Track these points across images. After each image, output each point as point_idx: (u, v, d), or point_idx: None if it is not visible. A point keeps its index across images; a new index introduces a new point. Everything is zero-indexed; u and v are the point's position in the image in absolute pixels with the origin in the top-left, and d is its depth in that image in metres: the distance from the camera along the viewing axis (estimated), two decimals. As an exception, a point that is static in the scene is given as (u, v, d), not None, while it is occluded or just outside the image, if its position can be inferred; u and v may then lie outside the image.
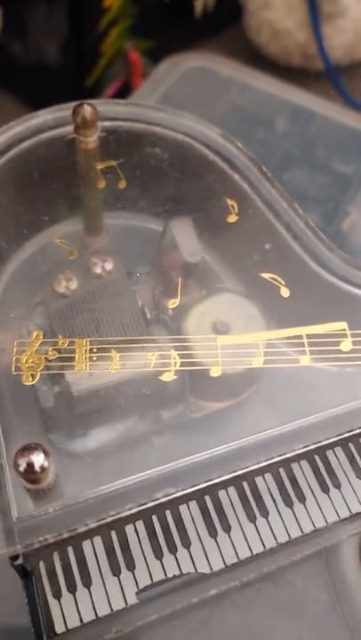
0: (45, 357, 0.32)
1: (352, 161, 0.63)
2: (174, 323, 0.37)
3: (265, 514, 0.33)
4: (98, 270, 0.39)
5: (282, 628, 0.40)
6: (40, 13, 0.71)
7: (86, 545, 0.31)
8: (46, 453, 0.27)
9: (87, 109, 0.36)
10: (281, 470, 0.34)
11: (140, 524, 0.32)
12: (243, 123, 0.64)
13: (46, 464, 0.27)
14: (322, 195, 0.60)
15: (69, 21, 0.71)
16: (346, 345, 0.33)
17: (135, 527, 0.32)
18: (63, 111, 0.38)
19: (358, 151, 0.64)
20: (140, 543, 0.31)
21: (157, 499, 0.29)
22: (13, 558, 0.29)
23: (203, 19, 0.81)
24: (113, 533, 0.31)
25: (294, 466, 0.34)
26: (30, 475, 0.27)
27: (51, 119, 0.38)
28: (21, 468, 0.27)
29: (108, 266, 0.39)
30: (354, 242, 0.60)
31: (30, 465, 0.27)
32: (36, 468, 0.27)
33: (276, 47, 0.79)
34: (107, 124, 0.38)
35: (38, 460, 0.27)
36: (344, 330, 0.34)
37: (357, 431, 0.33)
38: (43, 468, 0.27)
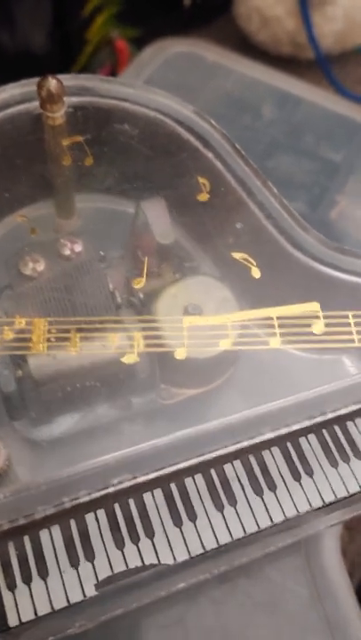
0: (1, 338, 0.31)
1: (341, 148, 0.62)
2: (145, 306, 0.36)
3: (233, 502, 0.31)
4: (67, 252, 0.37)
5: (260, 624, 0.39)
6: (27, 1, 0.70)
7: (43, 534, 0.30)
8: (-6, 436, 0.26)
9: (52, 83, 0.34)
10: (251, 457, 0.32)
11: (100, 513, 0.30)
12: (229, 109, 0.63)
13: (-6, 447, 0.26)
14: (308, 181, 0.59)
15: (53, 7, 0.70)
16: (318, 327, 0.32)
17: (96, 516, 0.30)
18: (30, 86, 0.37)
19: (347, 138, 0.62)
20: (100, 533, 0.30)
21: (114, 484, 0.28)
22: None
23: (192, 7, 0.79)
24: (72, 522, 0.30)
25: (265, 453, 0.32)
26: (-23, 458, 0.26)
27: (17, 94, 0.37)
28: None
29: (78, 248, 0.38)
30: (342, 231, 0.58)
31: (-23, 448, 0.26)
32: (-17, 451, 0.26)
33: (265, 35, 0.78)
34: (74, 99, 0.37)
35: (-15, 442, 0.26)
36: (316, 311, 0.32)
37: (331, 416, 0.32)
38: (-10, 452, 0.26)
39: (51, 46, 0.74)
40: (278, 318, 0.32)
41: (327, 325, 0.32)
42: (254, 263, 0.34)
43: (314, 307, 0.32)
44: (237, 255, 0.34)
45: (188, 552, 0.30)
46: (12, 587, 0.29)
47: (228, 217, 0.36)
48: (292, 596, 0.40)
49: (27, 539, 0.29)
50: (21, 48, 0.75)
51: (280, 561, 0.40)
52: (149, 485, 0.30)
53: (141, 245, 0.38)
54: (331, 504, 0.32)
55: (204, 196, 0.35)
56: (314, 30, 0.75)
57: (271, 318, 0.32)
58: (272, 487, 0.32)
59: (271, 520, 0.31)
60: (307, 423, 0.32)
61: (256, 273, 0.33)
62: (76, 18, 0.71)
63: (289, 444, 0.33)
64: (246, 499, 0.31)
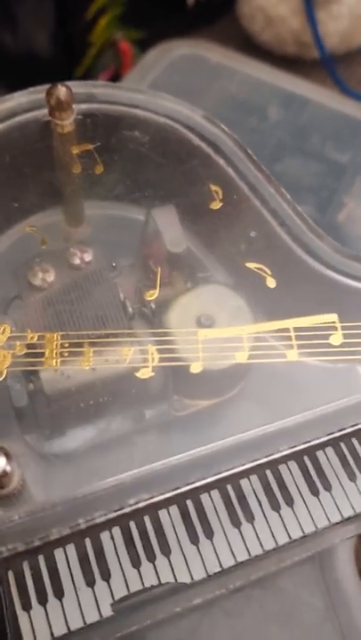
0: (13, 353, 0.30)
1: (347, 149, 0.61)
2: (156, 317, 0.35)
3: (250, 519, 0.31)
4: (76, 261, 0.37)
5: (274, 636, 0.38)
6: (29, 2, 0.69)
7: (58, 553, 0.29)
8: (8, 457, 0.25)
9: (61, 90, 0.34)
10: (268, 472, 0.31)
11: (116, 531, 0.30)
12: (234, 111, 0.62)
13: (8, 468, 0.25)
14: (316, 184, 0.58)
15: (56, 9, 0.69)
16: (336, 339, 0.31)
17: (111, 534, 0.30)
18: (38, 93, 0.36)
19: (353, 139, 0.62)
20: (115, 551, 0.29)
21: (131, 504, 0.27)
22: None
23: (195, 7, 0.78)
24: (87, 541, 0.29)
25: (282, 467, 0.32)
26: (-9, 479, 0.25)
27: (25, 102, 0.36)
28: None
29: (88, 257, 0.37)
30: (350, 233, 0.58)
31: (-10, 469, 0.25)
32: (-2, 472, 0.25)
33: (270, 35, 0.77)
34: (83, 106, 0.36)
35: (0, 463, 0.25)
36: (334, 322, 0.32)
37: (349, 430, 0.31)
38: (4, 473, 0.25)
39: (54, 49, 0.73)
40: (295, 330, 0.31)
41: (345, 337, 0.31)
42: (269, 272, 0.33)
43: (332, 318, 0.31)
44: (252, 265, 0.33)
45: (206, 570, 0.30)
46: (27, 607, 0.28)
47: (240, 225, 0.35)
48: (306, 607, 0.39)
49: (41, 558, 0.29)
50: (24, 51, 0.74)
51: (294, 573, 0.39)
52: (165, 503, 0.30)
53: (152, 254, 0.37)
54: (350, 518, 0.32)
55: (216, 204, 0.35)
56: (319, 29, 0.74)
57: (288, 330, 0.31)
58: (289, 502, 0.31)
59: (289, 536, 0.31)
60: (325, 437, 0.31)
61: (271, 282, 0.33)
62: (80, 20, 0.70)
63: (306, 458, 0.32)
64: (264, 514, 0.31)
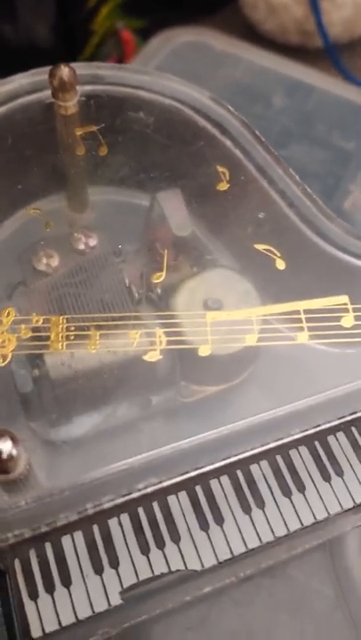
0: (18, 337, 0.29)
1: (353, 137, 0.60)
2: (163, 301, 0.34)
3: (261, 505, 0.30)
4: (81, 246, 0.36)
5: (283, 625, 0.38)
6: (29, -7, 0.69)
7: (66, 541, 0.28)
8: (14, 440, 0.25)
9: (65, 71, 0.33)
10: (278, 457, 0.31)
11: (124, 518, 0.29)
12: (238, 98, 0.61)
13: (15, 452, 0.25)
14: (321, 171, 0.57)
15: (57, -1, 0.68)
16: (347, 320, 0.31)
17: (119, 521, 0.29)
18: (41, 75, 0.36)
19: (358, 126, 0.61)
20: (124, 538, 0.29)
21: (140, 489, 0.27)
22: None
23: (197, -4, 0.78)
24: (95, 528, 0.29)
25: (292, 452, 0.31)
26: (-3, 463, 0.24)
27: (27, 83, 0.36)
28: (-15, 457, 0.25)
29: (92, 242, 0.36)
30: (357, 221, 0.57)
31: (-4, 453, 0.24)
32: (3, 456, 0.24)
33: (272, 24, 0.76)
34: (87, 88, 0.36)
35: (5, 447, 0.24)
36: (345, 304, 0.31)
37: (360, 414, 0.30)
38: (10, 457, 0.24)
39: (55, 39, 0.73)
40: (306, 312, 0.30)
41: (356, 319, 0.31)
42: (278, 254, 0.32)
43: (343, 299, 0.31)
44: (260, 246, 0.32)
45: (216, 557, 0.29)
46: (34, 596, 0.27)
47: (248, 206, 0.34)
48: (316, 596, 0.39)
49: (48, 545, 0.28)
50: (25, 41, 0.73)
51: (304, 561, 0.38)
52: (174, 488, 0.29)
53: (157, 238, 0.37)
54: (361, 505, 0.31)
55: (223, 186, 0.34)
56: (323, 18, 0.73)
57: (298, 312, 0.30)
58: (301, 488, 0.31)
59: (301, 522, 0.30)
60: (336, 421, 0.30)
61: (281, 264, 0.32)
62: (81, 9, 0.70)
63: (317, 443, 0.31)
64: (274, 500, 0.30)
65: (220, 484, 0.30)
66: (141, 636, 0.35)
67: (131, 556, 0.29)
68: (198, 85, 0.53)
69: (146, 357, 0.30)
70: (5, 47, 0.74)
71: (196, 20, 0.78)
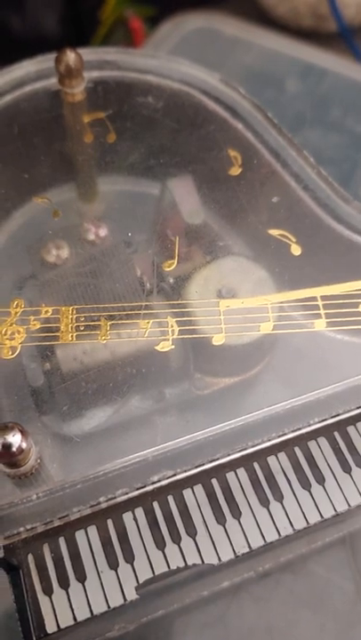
0: (27, 328, 0.29)
1: (368, 120, 0.59)
2: (175, 291, 0.33)
3: (279, 497, 0.29)
4: (91, 237, 0.35)
5: (304, 621, 0.37)
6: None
7: (80, 535, 0.28)
8: (24, 434, 0.24)
9: (71, 56, 0.32)
10: (296, 449, 0.30)
11: (139, 512, 0.28)
12: (251, 84, 0.60)
13: (25, 445, 0.24)
14: (337, 156, 0.56)
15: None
16: (366, 306, 0.30)
17: (134, 515, 0.28)
18: (47, 62, 0.35)
19: (374, 110, 0.59)
20: (139, 532, 0.28)
21: (154, 482, 0.26)
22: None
23: (207, -18, 0.76)
24: (109, 522, 0.28)
25: (311, 444, 0.30)
26: (7, 457, 0.24)
27: (33, 70, 0.35)
28: (-5, 450, 0.24)
29: (102, 232, 0.36)
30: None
31: (6, 446, 0.24)
32: (13, 449, 0.24)
33: (285, 8, 0.75)
34: (94, 74, 0.35)
35: (15, 440, 0.24)
36: (364, 289, 0.30)
37: (382, 403, 0.29)
38: (20, 450, 0.24)
39: (63, 29, 0.72)
40: (323, 298, 0.29)
41: (376, 304, 0.29)
42: (294, 239, 0.31)
43: (361, 284, 0.30)
44: (275, 232, 0.31)
45: (234, 551, 0.28)
46: (48, 592, 0.27)
47: (261, 191, 0.33)
48: (337, 591, 0.38)
49: (62, 540, 0.28)
50: (33, 33, 0.73)
51: (324, 555, 0.38)
52: (190, 482, 0.28)
53: (169, 227, 0.36)
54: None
55: (235, 170, 0.33)
56: (336, 0, 0.71)
57: (315, 298, 0.29)
58: (320, 480, 0.30)
59: (321, 515, 0.29)
60: (356, 411, 0.29)
61: (296, 250, 0.31)
62: (88, -2, 0.69)
63: (336, 434, 0.30)
64: (293, 493, 0.29)
65: (237, 477, 0.29)
66: (159, 632, 0.35)
67: (146, 551, 0.28)
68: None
69: (158, 347, 0.29)
70: (13, 38, 0.73)
71: (206, 6, 0.77)
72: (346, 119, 0.58)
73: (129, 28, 0.73)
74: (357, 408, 0.29)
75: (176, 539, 0.28)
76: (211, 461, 0.27)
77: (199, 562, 0.28)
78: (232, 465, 0.29)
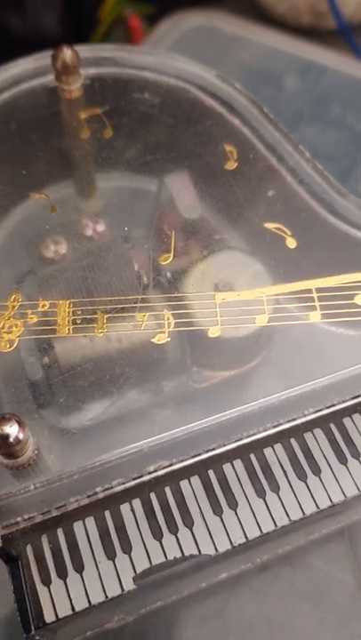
0: (24, 322, 0.29)
1: (368, 117, 0.59)
2: (172, 285, 0.34)
3: (275, 488, 0.29)
4: (89, 232, 0.36)
5: (303, 614, 0.37)
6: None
7: (77, 526, 0.28)
8: (21, 424, 0.24)
9: (67, 53, 0.33)
10: (292, 440, 0.30)
11: (136, 503, 0.29)
12: (249, 81, 0.60)
13: (22, 436, 0.24)
14: (336, 153, 0.56)
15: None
16: (361, 298, 0.30)
17: (131, 506, 0.29)
18: (44, 59, 0.35)
19: (373, 107, 0.59)
20: (136, 523, 0.28)
21: (150, 472, 0.26)
22: (-7, 541, 0.26)
23: (206, -19, 0.77)
24: (107, 513, 0.28)
25: (307, 435, 0.30)
26: (4, 448, 0.24)
27: (30, 68, 0.35)
28: (-8, 441, 0.24)
29: (100, 227, 0.36)
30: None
31: (3, 437, 0.24)
32: (10, 440, 0.24)
33: (284, 6, 0.75)
34: (92, 70, 0.35)
35: (12, 431, 0.24)
36: (359, 281, 0.30)
37: (377, 394, 0.29)
38: (18, 441, 0.24)
39: (63, 28, 0.72)
40: (318, 290, 0.30)
41: (371, 296, 0.30)
42: (289, 233, 0.31)
43: (356, 277, 0.30)
44: (270, 225, 0.32)
45: (230, 542, 0.28)
46: (47, 582, 0.27)
47: (257, 185, 0.34)
48: (337, 585, 0.38)
49: (60, 531, 0.28)
50: (33, 32, 0.73)
51: (323, 549, 0.38)
52: (186, 472, 0.29)
53: (165, 221, 0.36)
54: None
55: (231, 165, 0.33)
56: (335, -2, 0.71)
57: (310, 291, 0.30)
58: (316, 471, 0.30)
59: (317, 506, 0.29)
60: (351, 402, 0.30)
61: (291, 243, 0.31)
62: (88, -4, 0.69)
63: (332, 425, 0.31)
64: (289, 484, 0.29)
65: (234, 468, 0.30)
66: (158, 625, 0.35)
67: (143, 542, 0.28)
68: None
69: (154, 340, 0.29)
70: (13, 38, 0.74)
71: (205, 5, 0.77)
72: (345, 116, 0.59)
73: (128, 26, 0.73)
74: (352, 399, 0.29)
75: (173, 529, 0.28)
76: (207, 452, 0.28)
77: (196, 552, 0.28)
78: (229, 456, 0.29)
